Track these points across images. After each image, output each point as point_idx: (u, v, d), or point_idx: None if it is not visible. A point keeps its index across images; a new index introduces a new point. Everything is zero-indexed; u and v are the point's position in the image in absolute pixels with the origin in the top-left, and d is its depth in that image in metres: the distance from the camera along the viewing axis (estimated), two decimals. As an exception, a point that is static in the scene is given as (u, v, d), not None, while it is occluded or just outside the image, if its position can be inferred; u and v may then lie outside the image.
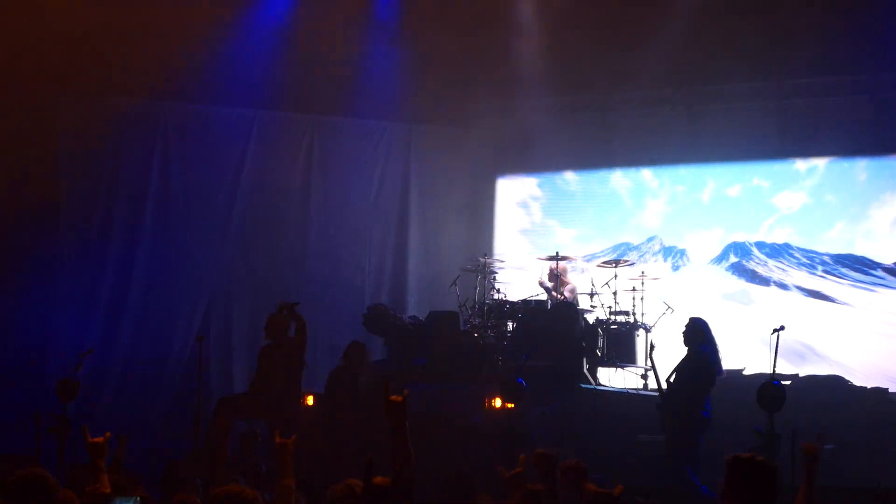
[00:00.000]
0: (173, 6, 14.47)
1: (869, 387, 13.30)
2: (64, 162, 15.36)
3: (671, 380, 11.37)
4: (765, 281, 15.08)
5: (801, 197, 15.34)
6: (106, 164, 15.63)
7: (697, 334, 11.30)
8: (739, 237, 15.60)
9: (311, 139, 16.66)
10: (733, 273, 15.44)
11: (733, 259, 15.43)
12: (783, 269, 14.89)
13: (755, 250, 15.25)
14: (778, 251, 15.09)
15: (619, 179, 16.22)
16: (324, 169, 16.65)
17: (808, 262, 14.79)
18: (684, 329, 11.48)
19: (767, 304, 14.93)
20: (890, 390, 13.32)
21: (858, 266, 14.44)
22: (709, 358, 11.23)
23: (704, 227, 15.82)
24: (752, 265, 15.28)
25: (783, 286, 15.05)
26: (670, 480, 10.80)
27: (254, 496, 4.87)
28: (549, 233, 16.65)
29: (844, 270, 14.50)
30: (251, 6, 15.51)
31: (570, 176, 16.44)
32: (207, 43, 14.81)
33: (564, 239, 16.45)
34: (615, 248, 16.42)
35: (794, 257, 14.76)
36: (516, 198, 16.87)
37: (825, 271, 14.65)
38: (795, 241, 15.26)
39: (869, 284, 14.31)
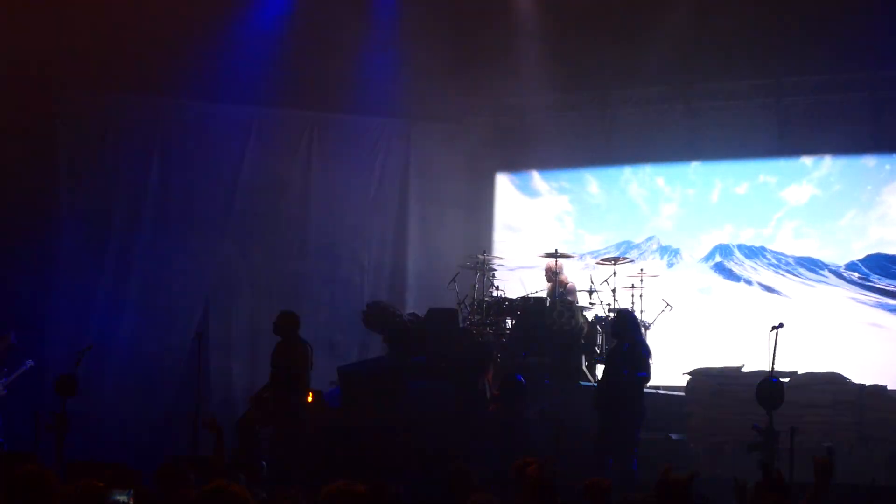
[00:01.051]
0: (172, 2, 14.48)
1: (868, 384, 13.36)
2: (62, 159, 15.36)
3: (608, 372, 11.59)
4: (736, 277, 15.79)
5: (809, 189, 15.57)
6: (105, 161, 15.63)
7: (630, 325, 11.52)
8: (749, 233, 15.86)
9: (311, 136, 16.65)
10: (715, 271, 15.99)
11: (718, 259, 16.00)
12: (754, 269, 15.67)
13: (736, 251, 15.88)
14: (755, 252, 15.75)
15: (636, 189, 16.45)
16: (323, 166, 16.65)
17: (776, 262, 15.58)
18: (616, 320, 11.73)
19: (728, 298, 15.71)
20: (888, 387, 13.39)
21: (811, 267, 15.36)
22: (645, 350, 11.51)
23: (716, 226, 16.08)
24: (730, 264, 15.89)
25: (748, 282, 15.73)
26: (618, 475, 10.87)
27: (240, 491, 4.82)
28: (581, 241, 16.78)
29: (801, 270, 15.42)
30: (251, 3, 15.52)
31: (594, 190, 16.67)
32: (207, 39, 14.82)
33: (594, 244, 16.66)
34: (617, 245, 16.55)
35: (766, 258, 15.60)
36: (553, 212, 16.96)
37: (786, 270, 15.50)
38: (806, 234, 15.54)
39: (813, 282, 15.33)
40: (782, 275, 15.54)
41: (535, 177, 17.15)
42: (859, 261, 15.13)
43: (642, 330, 12.14)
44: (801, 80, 15.40)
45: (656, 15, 14.89)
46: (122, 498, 5.39)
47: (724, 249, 15.97)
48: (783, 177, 15.73)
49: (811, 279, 15.35)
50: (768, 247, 15.72)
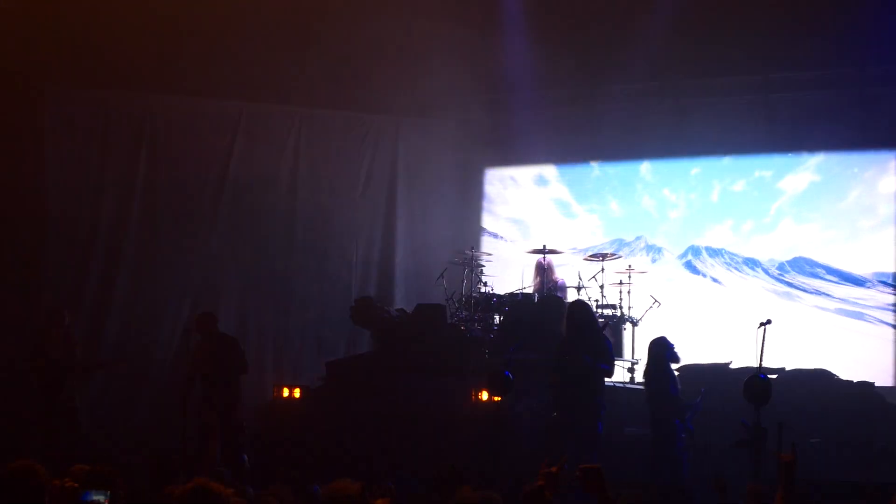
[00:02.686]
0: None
1: (855, 380, 13.38)
2: (49, 154, 15.28)
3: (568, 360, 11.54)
4: (697, 272, 16.60)
5: (807, 176, 15.81)
6: (92, 156, 15.56)
7: (592, 318, 11.54)
8: (748, 227, 16.17)
9: (299, 132, 16.62)
10: (685, 267, 16.65)
11: (689, 257, 16.71)
12: (713, 266, 16.57)
13: (703, 251, 16.67)
14: (716, 252, 16.57)
15: (647, 200, 16.84)
16: (311, 162, 16.62)
17: (729, 260, 16.44)
18: (584, 313, 11.70)
19: (685, 289, 16.46)
20: (876, 384, 13.41)
21: (751, 265, 16.27)
22: (608, 343, 11.67)
23: (718, 223, 16.41)
24: (696, 262, 16.63)
25: (704, 275, 16.56)
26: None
27: (219, 489, 4.78)
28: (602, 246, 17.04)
29: (744, 267, 16.32)
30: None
31: (613, 205, 17.07)
32: (195, 34, 14.76)
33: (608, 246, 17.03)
34: (611, 243, 16.76)
35: (723, 257, 16.52)
36: (589, 228, 17.18)
37: (734, 267, 16.42)
38: (808, 219, 15.78)
39: (748, 276, 16.28)
40: (731, 271, 16.32)
41: (569, 199, 17.37)
42: (787, 261, 15.95)
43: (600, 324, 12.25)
44: (789, 76, 15.41)
45: (644, 10, 14.89)
46: (99, 498, 5.34)
47: (694, 249, 16.60)
48: (779, 169, 15.94)
49: (748, 274, 16.19)
50: (768, 236, 15.98)
